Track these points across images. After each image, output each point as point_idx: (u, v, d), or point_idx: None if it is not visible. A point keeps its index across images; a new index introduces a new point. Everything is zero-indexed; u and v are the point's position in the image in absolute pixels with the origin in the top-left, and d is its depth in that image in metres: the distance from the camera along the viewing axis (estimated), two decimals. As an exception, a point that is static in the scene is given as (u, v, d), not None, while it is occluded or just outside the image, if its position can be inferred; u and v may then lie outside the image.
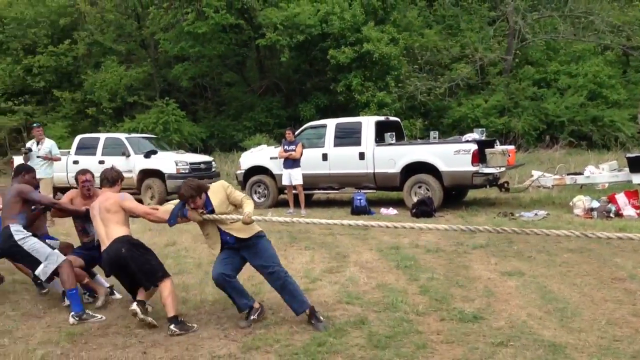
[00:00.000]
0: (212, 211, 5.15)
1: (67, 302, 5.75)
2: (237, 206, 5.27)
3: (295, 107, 24.11)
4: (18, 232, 5.65)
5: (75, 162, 14.82)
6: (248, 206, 5.17)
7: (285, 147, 12.01)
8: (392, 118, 14.25)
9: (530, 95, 23.80)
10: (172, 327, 5.00)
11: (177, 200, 5.25)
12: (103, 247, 5.36)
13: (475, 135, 11.92)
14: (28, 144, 11.44)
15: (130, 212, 5.46)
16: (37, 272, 5.64)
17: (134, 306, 5.15)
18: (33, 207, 5.93)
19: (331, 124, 12.81)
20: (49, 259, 5.58)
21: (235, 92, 26.47)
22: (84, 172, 6.09)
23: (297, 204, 11.96)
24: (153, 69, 24.68)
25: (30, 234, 5.72)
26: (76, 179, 6.09)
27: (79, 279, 5.79)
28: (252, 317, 5.18)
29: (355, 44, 21.87)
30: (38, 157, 11.05)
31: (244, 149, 20.67)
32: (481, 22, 26.48)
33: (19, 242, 5.61)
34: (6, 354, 4.61)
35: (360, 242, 8.68)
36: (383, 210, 11.59)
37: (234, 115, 24.95)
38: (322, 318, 5.06)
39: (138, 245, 5.37)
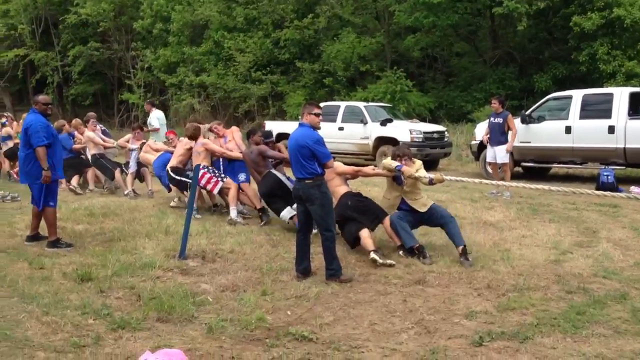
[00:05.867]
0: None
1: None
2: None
3: (530, 78, 22.98)
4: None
5: (318, 128, 16.04)
6: None
7: (491, 119, 10.78)
8: (648, 90, 12.98)
9: None
10: (401, 252, 6.36)
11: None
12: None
13: None
14: None
15: (344, 174, 6.99)
16: (281, 215, 7.54)
17: (373, 255, 6.11)
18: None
19: (577, 94, 12.10)
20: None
21: (465, 63, 26.05)
22: None
23: None
24: (385, 40, 25.33)
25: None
26: None
27: None
28: (426, 254, 6.21)
29: (604, 9, 20.06)
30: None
31: (473, 120, 20.38)
32: None
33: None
34: (287, 288, 5.39)
35: (610, 219, 8.25)
36: (634, 189, 10.70)
37: (464, 85, 24.61)
38: (470, 259, 6.05)
39: (357, 196, 6.86)
